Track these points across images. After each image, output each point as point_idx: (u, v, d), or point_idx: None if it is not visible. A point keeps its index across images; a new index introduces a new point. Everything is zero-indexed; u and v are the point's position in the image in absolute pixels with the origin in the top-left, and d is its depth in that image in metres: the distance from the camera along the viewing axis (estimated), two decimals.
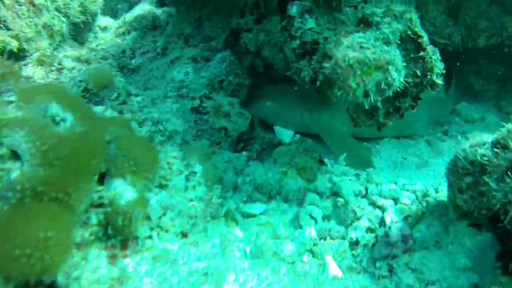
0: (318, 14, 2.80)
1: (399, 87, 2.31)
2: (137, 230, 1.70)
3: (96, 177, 1.63)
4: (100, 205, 1.64)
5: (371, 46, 2.18)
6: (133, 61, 4.86)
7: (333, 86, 2.24)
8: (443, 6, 3.92)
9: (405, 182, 3.43)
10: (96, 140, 1.59)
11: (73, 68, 3.73)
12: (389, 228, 2.64)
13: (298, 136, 3.97)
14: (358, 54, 2.16)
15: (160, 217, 1.85)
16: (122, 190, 1.66)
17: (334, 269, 2.49)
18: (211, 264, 1.86)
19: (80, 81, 2.66)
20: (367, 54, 2.15)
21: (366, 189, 3.28)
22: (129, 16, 5.68)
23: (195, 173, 2.11)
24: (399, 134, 4.35)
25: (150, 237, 1.79)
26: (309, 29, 2.49)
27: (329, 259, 2.55)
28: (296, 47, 2.67)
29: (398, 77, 2.25)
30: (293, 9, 2.87)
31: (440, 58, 2.52)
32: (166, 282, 1.72)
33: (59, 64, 3.69)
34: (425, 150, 4.19)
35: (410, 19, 2.35)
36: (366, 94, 2.22)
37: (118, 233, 1.65)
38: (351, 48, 2.19)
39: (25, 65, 3.58)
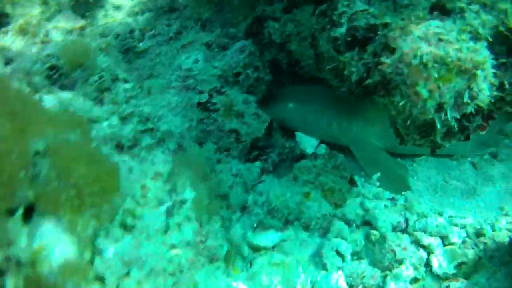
0: None
1: (484, 102, 1.59)
2: None
3: (21, 212, 0.97)
4: (18, 263, 0.98)
5: (454, 40, 1.46)
6: (141, 44, 4.19)
7: (394, 91, 1.54)
8: None
9: (452, 214, 2.76)
10: (16, 150, 0.93)
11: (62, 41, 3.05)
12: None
13: (324, 146, 3.27)
14: (435, 49, 1.44)
15: (121, 278, 1.17)
16: (52, 243, 0.99)
17: None
18: None
19: (48, 56, 1.99)
20: (448, 50, 1.43)
21: (407, 220, 2.60)
22: None
23: (183, 202, 1.43)
24: (440, 152, 3.62)
25: None
26: (362, 11, 1.77)
27: None
28: (338, 37, 1.97)
29: (486, 88, 1.53)
30: None
31: None
32: None
33: (46, 36, 3.01)
34: (470, 174, 3.46)
35: (506, 11, 1.62)
36: (440, 107, 1.51)
37: None
38: (424, 40, 1.48)
39: (4, 33, 2.91)
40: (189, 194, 1.49)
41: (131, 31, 4.23)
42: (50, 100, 1.81)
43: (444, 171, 3.50)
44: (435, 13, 1.68)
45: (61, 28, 3.16)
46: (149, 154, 1.97)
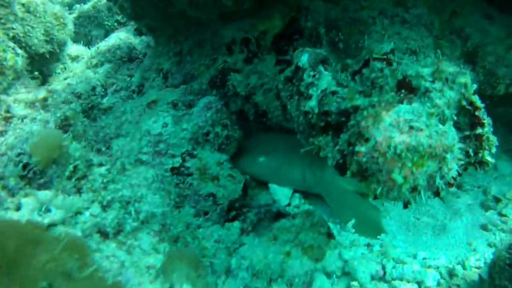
0: (336, 66, 2.22)
1: (453, 177, 1.71)
2: None
3: None
4: None
5: (424, 127, 1.58)
6: (104, 100, 4.18)
7: (371, 179, 1.63)
8: (459, 50, 3.40)
9: (425, 256, 2.88)
10: None
11: (24, 117, 2.98)
12: None
13: (297, 197, 3.36)
14: (408, 138, 1.55)
15: None
16: None
17: None
18: None
19: (19, 154, 1.96)
20: (420, 138, 1.54)
21: (383, 268, 2.70)
22: (103, 45, 5.04)
23: None
24: None
25: None
26: (332, 92, 1.87)
27: None
28: (309, 111, 2.06)
29: (455, 167, 1.65)
30: (303, 59, 2.28)
31: (492, 129, 1.96)
32: None
33: (7, 111, 2.95)
34: (439, 208, 3.62)
35: (465, 85, 1.76)
36: (414, 189, 1.62)
37: None
38: (397, 127, 1.58)
39: None
40: None
41: (93, 88, 4.21)
42: (30, 204, 1.79)
43: (414, 208, 3.64)
44: (403, 91, 1.80)
45: (21, 101, 3.11)
46: (135, 239, 1.98)
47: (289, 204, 3.32)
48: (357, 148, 1.62)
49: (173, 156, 2.94)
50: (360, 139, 1.63)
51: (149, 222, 2.08)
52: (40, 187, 1.96)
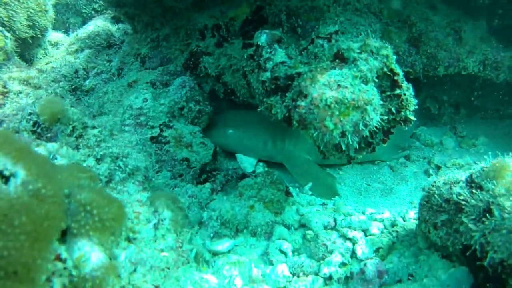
0: (288, 44, 2.73)
1: (375, 126, 2.24)
2: None
3: (56, 237, 1.44)
4: (63, 268, 1.45)
5: (349, 85, 2.10)
6: (86, 82, 4.59)
7: (309, 126, 2.14)
8: (406, 36, 3.98)
9: (372, 212, 3.39)
10: (54, 198, 1.40)
11: (20, 92, 3.41)
12: (365, 264, 2.57)
13: (261, 165, 3.88)
14: (336, 93, 2.07)
15: (131, 274, 1.67)
16: (88, 252, 1.47)
17: None
18: None
19: (30, 114, 2.42)
20: (345, 93, 2.07)
21: (335, 220, 3.20)
22: (83, 32, 5.40)
23: (163, 220, 1.94)
24: (362, 160, 4.34)
25: None
26: (281, 62, 2.39)
27: None
28: (266, 81, 2.57)
29: (375, 117, 2.18)
30: (262, 38, 2.78)
31: (413, 93, 2.50)
32: None
33: (4, 87, 3.36)
34: (388, 176, 4.19)
35: (387, 56, 2.29)
36: (343, 134, 2.14)
37: None
38: (328, 86, 2.10)
39: None
40: (166, 214, 1.99)
41: (76, 71, 4.63)
42: (42, 151, 2.23)
43: (367, 176, 4.21)
44: (337, 61, 2.33)
45: (16, 78, 3.52)
46: (124, 187, 2.44)
47: (254, 172, 3.83)
48: (298, 103, 2.14)
49: (152, 127, 3.41)
50: (301, 96, 2.15)
51: (135, 174, 2.54)
52: (48, 140, 2.40)
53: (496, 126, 5.13)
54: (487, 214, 2.13)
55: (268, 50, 2.69)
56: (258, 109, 2.70)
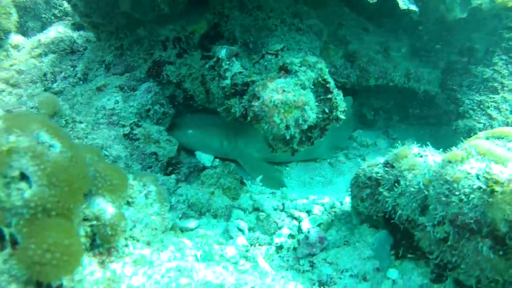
0: (242, 57, 3.46)
1: (312, 122, 3.01)
2: (119, 240, 2.15)
3: (86, 192, 2.05)
4: (86, 219, 2.06)
5: (291, 90, 2.87)
6: (54, 85, 5.09)
7: (261, 121, 2.89)
8: (342, 52, 4.82)
9: (315, 198, 4.17)
10: (82, 164, 2.03)
11: (2, 91, 3.93)
12: (309, 232, 3.32)
13: (217, 161, 4.58)
14: (281, 96, 2.84)
15: (131, 229, 2.30)
16: (105, 207, 2.10)
17: (266, 268, 3.09)
18: (180, 264, 2.35)
19: (32, 108, 3.00)
20: (288, 96, 2.83)
21: (283, 204, 3.95)
22: (45, 37, 5.80)
23: (150, 192, 2.58)
24: (306, 158, 5.12)
25: (126, 245, 2.24)
26: (239, 72, 3.13)
27: (261, 260, 3.15)
28: (225, 86, 3.30)
29: (312, 115, 2.96)
30: (222, 53, 3.51)
31: (342, 98, 3.29)
32: (151, 278, 2.20)
33: None
34: (328, 171, 5.00)
35: (321, 69, 3.09)
36: (287, 127, 2.90)
37: (105, 242, 2.09)
38: (275, 91, 2.86)
39: None
40: (152, 187, 2.63)
41: (44, 74, 5.14)
42: None
43: (310, 171, 5.01)
44: (282, 72, 3.10)
45: None
46: None
47: (215, 167, 4.52)
48: (253, 103, 2.89)
49: (124, 125, 4.04)
50: (255, 98, 2.90)
51: (117, 162, 3.15)
52: None
53: (423, 130, 6.09)
54: (396, 184, 2.94)
55: (227, 62, 3.42)
56: (219, 110, 3.39)
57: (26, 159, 1.87)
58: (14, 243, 1.81)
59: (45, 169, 1.87)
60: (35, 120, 2.05)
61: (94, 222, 2.07)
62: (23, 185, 1.84)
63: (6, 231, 1.79)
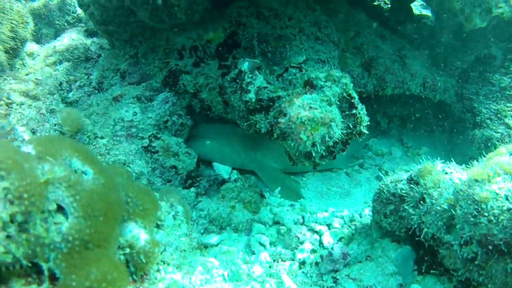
0: (264, 70, 3.42)
1: (337, 138, 2.98)
2: (153, 266, 2.12)
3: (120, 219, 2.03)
4: (119, 247, 2.04)
5: (318, 107, 2.83)
6: (70, 95, 5.06)
7: (288, 138, 2.86)
8: (359, 61, 4.78)
9: (334, 210, 4.14)
10: (114, 190, 2.00)
11: (22, 104, 3.91)
12: (332, 248, 3.29)
13: (235, 173, 4.54)
14: (308, 113, 2.80)
15: (162, 253, 2.28)
16: (138, 233, 2.07)
17: (291, 285, 3.06)
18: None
19: (55, 125, 2.97)
20: (315, 113, 2.80)
21: (303, 217, 3.92)
22: (59, 45, 5.79)
23: (178, 212, 2.55)
24: (322, 169, 5.08)
25: (158, 270, 2.21)
26: (264, 87, 3.08)
27: (285, 277, 3.12)
28: (248, 100, 3.26)
29: (337, 131, 2.92)
30: (245, 65, 3.47)
31: (365, 112, 3.25)
32: None
33: (8, 98, 3.85)
34: (345, 181, 4.97)
35: (346, 83, 3.05)
36: (313, 144, 2.87)
37: (138, 270, 2.06)
38: (302, 107, 2.83)
39: None
40: (179, 208, 2.60)
41: (60, 84, 5.11)
42: None
43: (326, 181, 4.98)
44: (307, 87, 3.06)
45: (16, 90, 4.00)
46: None
47: (229, 178, 4.49)
48: (279, 120, 2.85)
49: (143, 138, 4.00)
50: (281, 115, 2.87)
51: (140, 178, 3.13)
52: None
53: (437, 138, 6.04)
54: (422, 202, 2.91)
55: (250, 75, 3.38)
56: (242, 125, 3.35)
57: (61, 190, 1.84)
58: (52, 278, 1.78)
59: (80, 200, 1.84)
60: (66, 145, 2.02)
61: (128, 250, 2.04)
62: (60, 217, 1.81)
63: (44, 266, 1.76)
